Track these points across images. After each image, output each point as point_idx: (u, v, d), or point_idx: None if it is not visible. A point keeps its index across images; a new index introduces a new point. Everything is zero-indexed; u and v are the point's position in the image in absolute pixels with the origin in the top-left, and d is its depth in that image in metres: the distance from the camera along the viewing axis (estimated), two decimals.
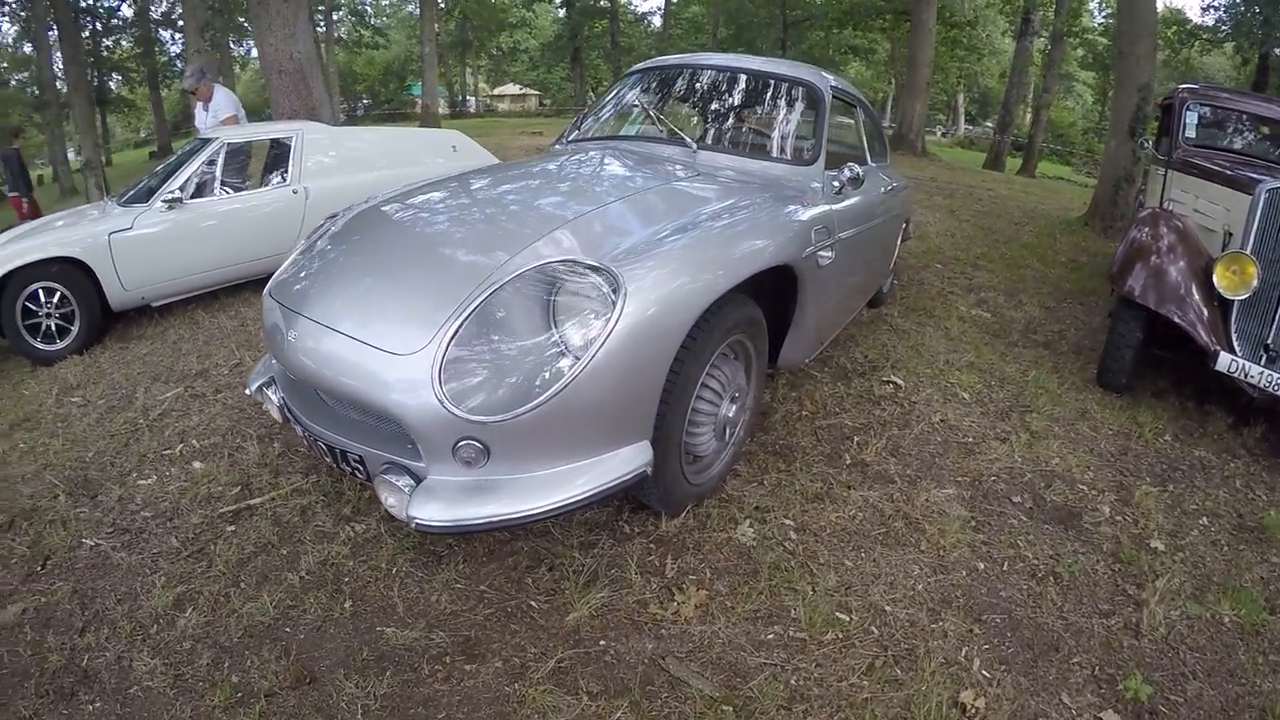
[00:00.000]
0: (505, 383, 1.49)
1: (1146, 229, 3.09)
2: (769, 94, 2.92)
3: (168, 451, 2.65)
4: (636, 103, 3.07)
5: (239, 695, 1.56)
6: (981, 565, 2.05)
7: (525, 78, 40.80)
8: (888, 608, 1.84)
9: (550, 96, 39.10)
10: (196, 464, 2.53)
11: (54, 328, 3.64)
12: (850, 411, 2.86)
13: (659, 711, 1.50)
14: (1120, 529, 2.29)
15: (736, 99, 3.02)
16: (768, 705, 1.53)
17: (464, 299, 1.56)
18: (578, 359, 1.49)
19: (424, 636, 1.69)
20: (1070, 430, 2.89)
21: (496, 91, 43.10)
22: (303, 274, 1.92)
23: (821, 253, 2.32)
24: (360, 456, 1.66)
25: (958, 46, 19.62)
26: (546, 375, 1.49)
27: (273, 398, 1.93)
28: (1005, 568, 2.05)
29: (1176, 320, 2.77)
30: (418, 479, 1.57)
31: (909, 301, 4.33)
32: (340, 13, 27.27)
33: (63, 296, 3.61)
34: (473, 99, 40.98)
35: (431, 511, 1.50)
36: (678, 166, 2.55)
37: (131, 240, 3.73)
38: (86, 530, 2.22)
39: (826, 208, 2.46)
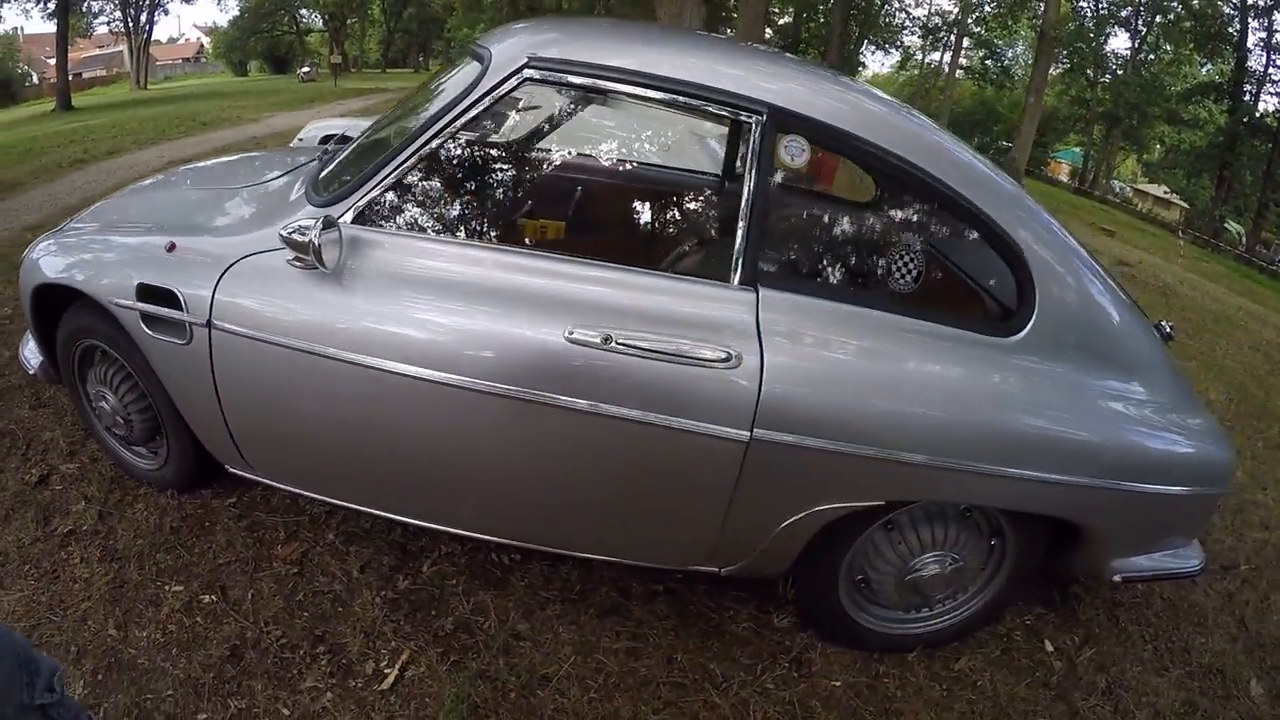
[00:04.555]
0: None
1: None
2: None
3: None
4: None
5: None
6: None
7: (1175, 182, 30.81)
8: None
9: (1193, 210, 28.67)
10: None
11: None
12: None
13: None
14: None
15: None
16: None
17: None
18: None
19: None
20: None
21: (1144, 186, 32.65)
22: None
23: (173, 322, 1.51)
24: None
25: None
26: None
27: None
28: None
29: None
30: None
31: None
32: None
33: None
34: (1118, 184, 33.53)
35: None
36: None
37: None
38: None
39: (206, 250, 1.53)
